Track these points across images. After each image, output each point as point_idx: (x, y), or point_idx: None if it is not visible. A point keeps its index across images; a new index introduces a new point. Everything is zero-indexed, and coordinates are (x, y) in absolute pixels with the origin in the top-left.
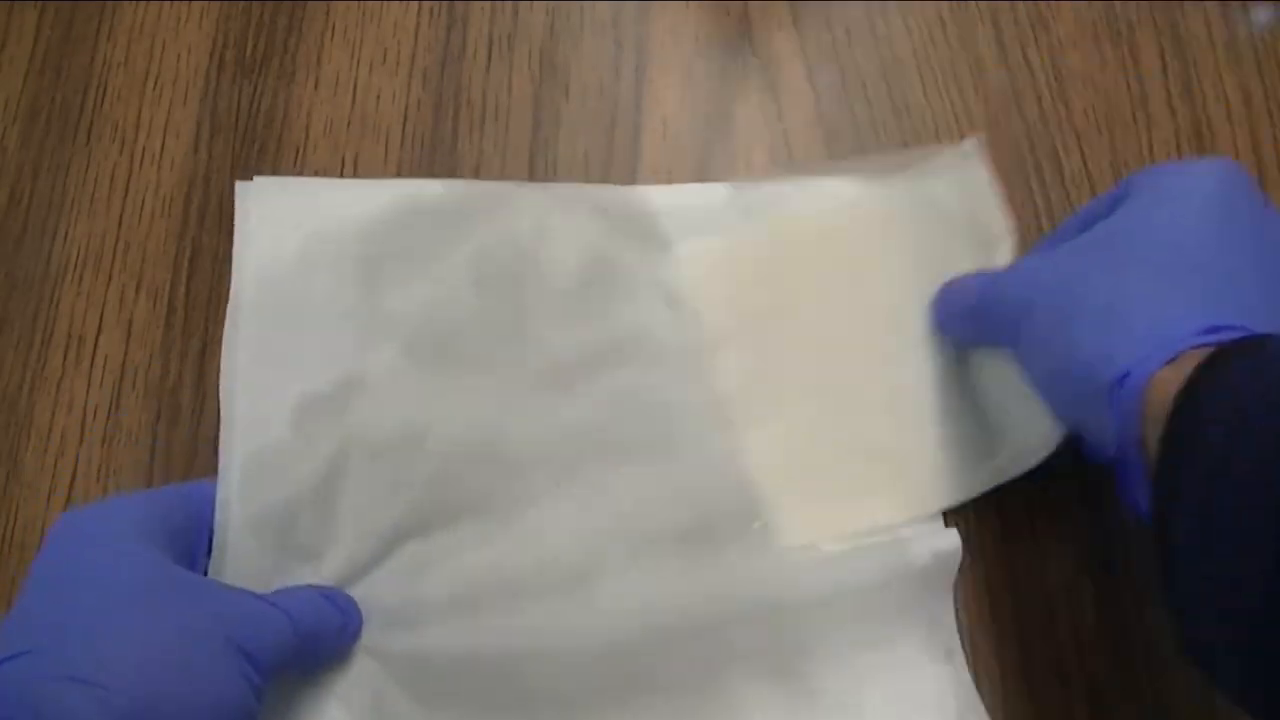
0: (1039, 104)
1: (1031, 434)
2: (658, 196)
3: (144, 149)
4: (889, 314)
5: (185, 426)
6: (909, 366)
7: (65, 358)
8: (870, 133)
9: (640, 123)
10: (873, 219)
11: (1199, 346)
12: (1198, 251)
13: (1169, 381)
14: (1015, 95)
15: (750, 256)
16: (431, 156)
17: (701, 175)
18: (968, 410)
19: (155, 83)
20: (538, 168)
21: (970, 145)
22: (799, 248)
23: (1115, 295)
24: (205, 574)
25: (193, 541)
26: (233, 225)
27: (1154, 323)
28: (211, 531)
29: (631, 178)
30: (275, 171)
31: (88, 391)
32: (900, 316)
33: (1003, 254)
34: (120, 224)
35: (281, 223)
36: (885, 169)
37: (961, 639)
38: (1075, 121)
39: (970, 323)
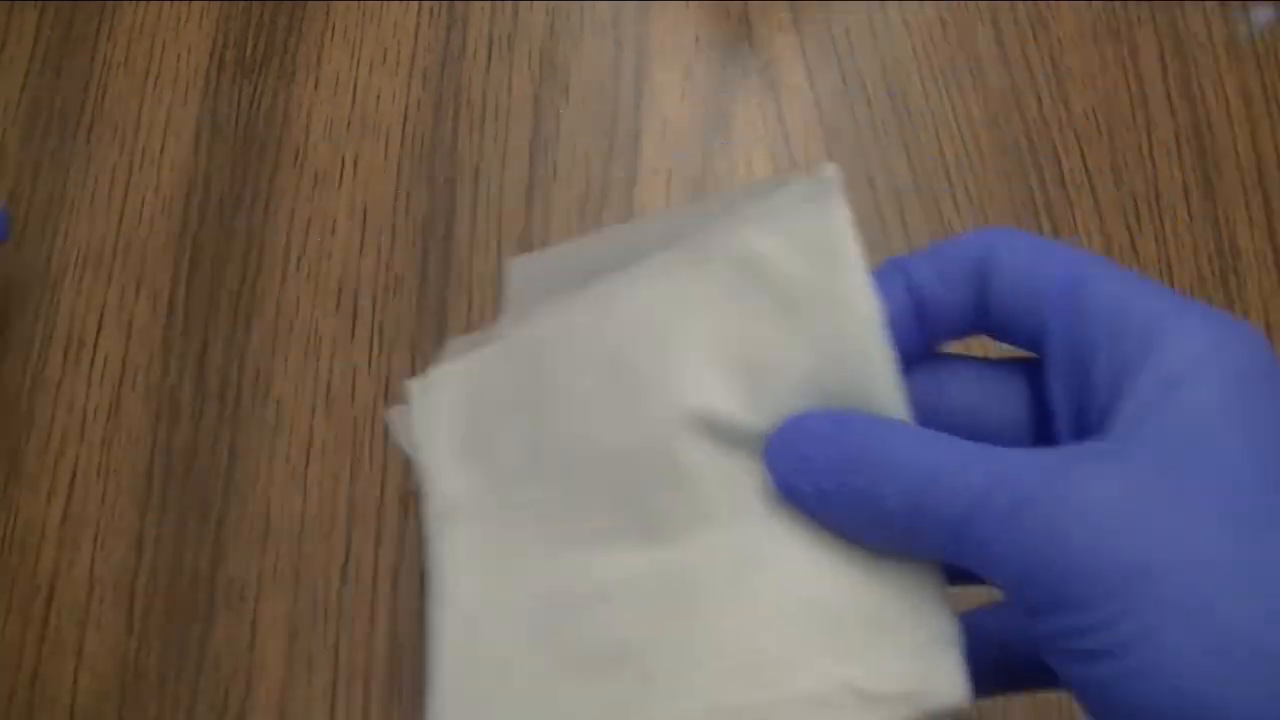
0: (1039, 104)
1: (933, 674)
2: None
3: (144, 149)
4: (668, 460)
5: (185, 426)
6: (695, 544)
7: (65, 358)
8: (870, 133)
9: (640, 123)
10: (657, 308)
11: None
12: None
13: None
14: (1015, 95)
15: (485, 390)
16: (432, 156)
17: (701, 176)
18: (801, 608)
19: (155, 83)
20: (538, 168)
21: (832, 173)
22: (555, 365)
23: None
24: None
25: None
26: (231, 224)
27: None
28: None
29: (632, 178)
30: (275, 171)
31: (88, 391)
32: (685, 466)
33: (872, 354)
34: (120, 224)
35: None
36: (707, 217)
37: None
38: (1075, 121)
39: (902, 535)
